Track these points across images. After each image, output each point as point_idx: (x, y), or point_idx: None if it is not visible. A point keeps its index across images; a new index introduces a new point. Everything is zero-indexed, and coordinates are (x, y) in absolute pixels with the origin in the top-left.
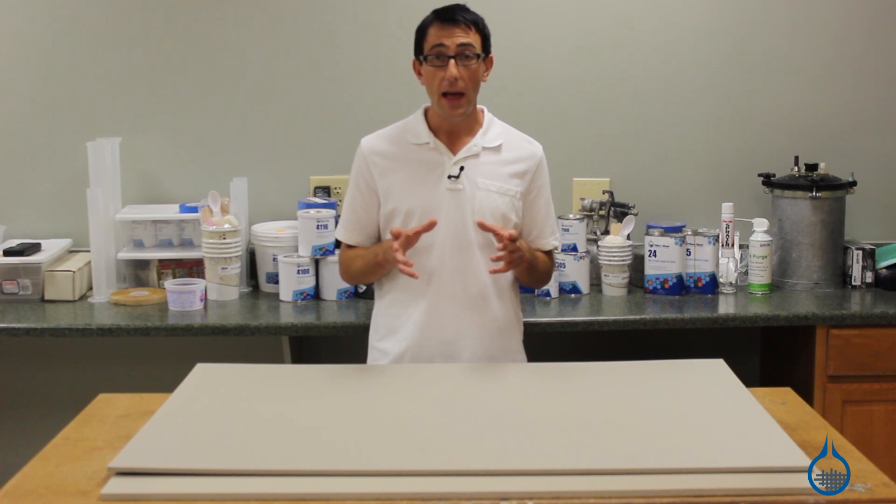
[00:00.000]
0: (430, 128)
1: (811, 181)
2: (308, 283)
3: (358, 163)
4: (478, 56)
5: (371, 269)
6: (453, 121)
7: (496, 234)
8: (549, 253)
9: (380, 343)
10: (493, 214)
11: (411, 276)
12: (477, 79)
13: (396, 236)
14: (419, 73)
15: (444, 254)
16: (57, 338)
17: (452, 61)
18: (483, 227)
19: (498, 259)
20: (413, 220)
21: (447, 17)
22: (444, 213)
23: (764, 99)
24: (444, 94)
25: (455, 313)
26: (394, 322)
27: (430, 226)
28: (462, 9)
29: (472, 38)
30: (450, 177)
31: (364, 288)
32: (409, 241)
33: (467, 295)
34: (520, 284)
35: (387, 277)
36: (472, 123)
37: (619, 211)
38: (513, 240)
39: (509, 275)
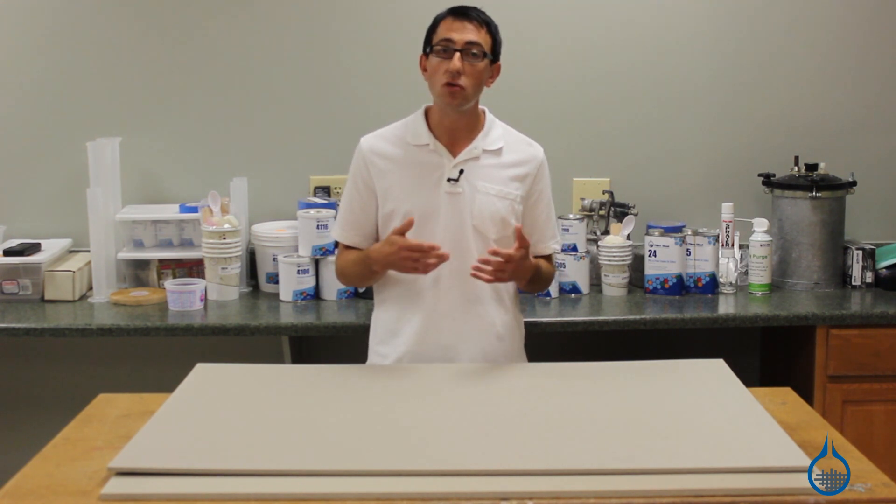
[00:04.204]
0: (431, 129)
1: (811, 181)
2: (308, 283)
3: (357, 162)
4: (484, 55)
5: (365, 275)
6: (453, 116)
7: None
8: (548, 257)
9: (379, 346)
10: (492, 218)
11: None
12: (480, 78)
13: (401, 244)
14: (424, 69)
15: None
16: (57, 338)
17: (458, 54)
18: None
19: (484, 266)
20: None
21: (460, 12)
22: (442, 216)
23: (764, 99)
24: (445, 84)
25: (453, 318)
26: (392, 326)
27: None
28: (477, 9)
29: (482, 38)
30: (449, 180)
31: (364, 288)
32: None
33: (466, 300)
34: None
35: (385, 282)
36: (472, 125)
37: (619, 211)
38: (510, 260)
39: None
